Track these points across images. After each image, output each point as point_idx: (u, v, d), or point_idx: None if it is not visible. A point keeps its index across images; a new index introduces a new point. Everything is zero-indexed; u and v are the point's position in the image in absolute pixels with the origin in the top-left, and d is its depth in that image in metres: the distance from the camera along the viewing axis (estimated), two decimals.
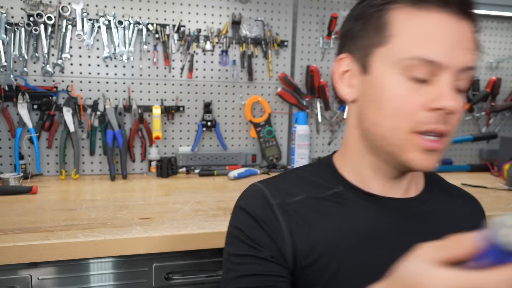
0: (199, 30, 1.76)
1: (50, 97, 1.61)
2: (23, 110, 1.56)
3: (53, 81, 1.63)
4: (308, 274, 0.65)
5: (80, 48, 1.65)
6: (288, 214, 0.67)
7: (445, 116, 0.59)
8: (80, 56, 1.65)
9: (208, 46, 1.78)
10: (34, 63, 1.61)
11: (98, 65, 1.67)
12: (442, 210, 0.73)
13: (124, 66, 1.70)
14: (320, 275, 0.65)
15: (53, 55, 1.62)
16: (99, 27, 1.64)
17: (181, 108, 1.78)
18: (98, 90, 1.68)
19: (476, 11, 0.62)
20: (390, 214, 0.69)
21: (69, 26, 1.61)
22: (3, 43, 1.55)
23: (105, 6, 1.65)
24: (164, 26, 1.71)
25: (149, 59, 1.73)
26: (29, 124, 1.57)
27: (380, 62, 0.61)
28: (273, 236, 0.65)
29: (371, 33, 0.62)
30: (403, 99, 0.59)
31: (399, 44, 0.59)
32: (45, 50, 1.59)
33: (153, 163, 1.74)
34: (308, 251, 0.64)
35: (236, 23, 1.79)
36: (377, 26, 0.61)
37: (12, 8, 1.56)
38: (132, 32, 1.67)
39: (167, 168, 1.70)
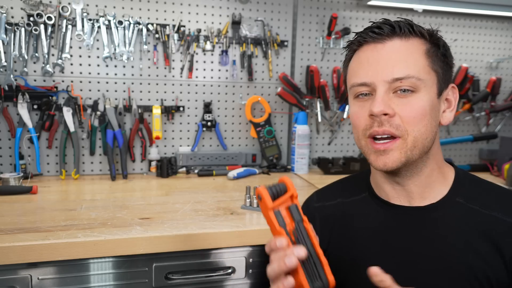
0: (199, 30, 1.76)
1: (50, 97, 1.61)
2: (23, 110, 1.56)
3: (53, 81, 1.63)
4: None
5: (80, 48, 1.65)
6: (323, 214, 0.86)
7: (380, 119, 0.71)
8: (80, 56, 1.65)
9: (208, 46, 1.78)
10: (34, 63, 1.61)
11: (98, 65, 1.67)
12: (452, 221, 0.74)
13: (124, 66, 1.70)
14: (338, 262, 0.78)
15: (53, 55, 1.62)
16: (99, 27, 1.64)
17: (181, 108, 1.78)
18: (98, 90, 1.68)
19: (404, 25, 0.74)
20: (395, 219, 0.78)
21: (69, 26, 1.61)
22: (3, 43, 1.55)
23: (105, 6, 1.65)
24: (164, 26, 1.71)
25: (149, 59, 1.73)
26: (29, 124, 1.57)
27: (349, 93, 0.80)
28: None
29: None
30: (356, 115, 0.76)
31: (348, 78, 0.79)
32: (45, 50, 1.59)
33: (153, 163, 1.74)
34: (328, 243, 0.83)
35: (236, 23, 1.79)
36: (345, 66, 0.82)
37: (12, 8, 1.56)
38: (132, 32, 1.67)
39: (167, 168, 1.70)
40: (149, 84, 1.74)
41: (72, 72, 1.65)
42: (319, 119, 1.94)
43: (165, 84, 1.76)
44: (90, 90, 1.67)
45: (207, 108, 1.81)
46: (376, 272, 0.60)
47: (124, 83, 1.71)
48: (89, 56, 1.66)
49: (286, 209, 0.64)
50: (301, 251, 0.58)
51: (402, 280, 0.72)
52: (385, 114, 0.71)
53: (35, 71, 1.61)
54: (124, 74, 1.71)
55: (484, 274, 0.69)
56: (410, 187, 0.77)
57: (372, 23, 0.77)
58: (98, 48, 1.67)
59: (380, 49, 0.73)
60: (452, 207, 0.75)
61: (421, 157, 0.74)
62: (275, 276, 0.60)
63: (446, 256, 0.72)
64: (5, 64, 1.55)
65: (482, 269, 0.69)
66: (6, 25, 1.54)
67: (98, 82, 1.68)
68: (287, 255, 0.58)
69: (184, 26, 1.74)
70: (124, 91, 1.71)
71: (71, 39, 1.63)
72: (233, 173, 1.70)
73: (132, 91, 1.72)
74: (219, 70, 1.82)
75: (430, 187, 0.77)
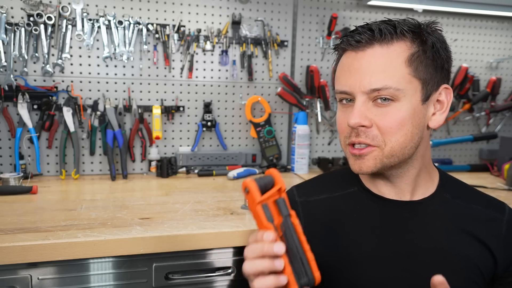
0: (199, 30, 1.76)
1: (50, 97, 1.61)
2: (23, 110, 1.56)
3: (53, 81, 1.63)
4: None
5: (80, 48, 1.65)
6: (307, 210, 0.85)
7: (357, 130, 0.73)
8: (80, 56, 1.65)
9: (208, 46, 1.78)
10: (34, 63, 1.61)
11: (98, 65, 1.67)
12: (444, 214, 0.79)
13: (124, 66, 1.70)
14: (329, 258, 0.79)
15: (53, 55, 1.62)
16: (99, 27, 1.64)
17: (181, 108, 1.78)
18: (98, 90, 1.68)
19: (386, 30, 0.71)
20: (390, 213, 0.79)
21: (69, 26, 1.61)
22: (3, 43, 1.55)
23: (105, 6, 1.65)
24: (164, 26, 1.71)
25: (149, 59, 1.73)
26: (29, 124, 1.57)
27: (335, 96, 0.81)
28: None
29: None
30: (339, 120, 0.78)
31: (335, 83, 0.79)
32: (45, 50, 1.59)
33: (153, 163, 1.74)
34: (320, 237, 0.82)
35: (236, 23, 1.79)
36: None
37: (12, 8, 1.56)
38: (132, 32, 1.67)
39: (167, 168, 1.70)
40: (149, 84, 1.74)
41: (72, 72, 1.65)
42: (319, 119, 1.94)
43: (165, 84, 1.76)
44: (90, 90, 1.67)
45: (207, 108, 1.81)
46: (441, 281, 0.61)
47: (124, 83, 1.71)
48: (89, 56, 1.66)
49: (273, 203, 0.62)
50: (281, 247, 0.57)
51: (402, 273, 0.74)
52: (362, 126, 0.72)
53: (35, 71, 1.61)
54: (124, 74, 1.71)
55: (480, 261, 0.75)
56: (399, 184, 0.80)
57: (355, 27, 0.75)
58: (98, 48, 1.67)
59: (360, 58, 0.72)
60: (442, 201, 0.80)
61: (404, 161, 0.76)
62: (256, 272, 0.59)
63: (444, 247, 0.75)
64: (5, 64, 1.55)
65: (477, 257, 0.75)
66: (6, 25, 1.54)
67: (98, 82, 1.68)
68: (275, 248, 0.57)
69: (184, 26, 1.74)
70: (124, 91, 1.71)
71: (71, 39, 1.63)
72: (233, 173, 1.70)
73: (132, 91, 1.72)
74: (219, 70, 1.82)
75: (419, 185, 0.80)
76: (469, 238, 0.76)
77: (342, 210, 0.83)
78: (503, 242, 0.77)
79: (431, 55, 0.73)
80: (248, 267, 0.60)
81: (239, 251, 1.12)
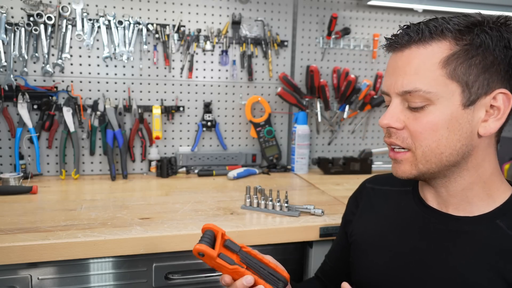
0: (199, 30, 1.76)
1: (50, 97, 1.61)
2: (23, 110, 1.56)
3: (53, 81, 1.63)
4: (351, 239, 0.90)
5: (80, 48, 1.65)
6: (369, 196, 0.90)
7: (389, 131, 0.73)
8: (80, 56, 1.65)
9: (208, 46, 1.78)
10: (34, 63, 1.61)
11: (98, 65, 1.67)
12: (483, 242, 0.68)
13: (124, 66, 1.70)
14: (355, 245, 0.87)
15: (53, 55, 1.62)
16: (99, 27, 1.64)
17: (181, 108, 1.78)
18: (98, 90, 1.68)
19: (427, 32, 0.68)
20: (423, 218, 0.77)
21: (69, 26, 1.61)
22: (3, 43, 1.55)
23: (105, 6, 1.65)
24: (164, 26, 1.71)
25: (149, 59, 1.73)
26: (29, 124, 1.57)
27: None
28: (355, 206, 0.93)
29: None
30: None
31: None
32: (45, 50, 1.59)
33: (153, 163, 1.74)
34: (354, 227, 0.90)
35: (236, 23, 1.79)
36: None
37: (12, 8, 1.56)
38: (132, 32, 1.67)
39: (167, 168, 1.70)
40: (149, 84, 1.74)
41: (72, 72, 1.65)
42: (319, 119, 1.94)
43: (165, 84, 1.76)
44: (90, 90, 1.67)
45: (207, 108, 1.81)
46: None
47: (124, 83, 1.71)
48: (89, 56, 1.66)
49: (224, 248, 0.72)
50: (249, 279, 0.70)
51: (409, 278, 0.74)
52: (392, 127, 0.71)
53: (35, 71, 1.61)
54: (124, 74, 1.71)
55: None
56: (443, 194, 0.74)
57: (408, 24, 0.71)
58: (98, 48, 1.67)
59: (398, 59, 0.71)
60: (488, 227, 0.69)
61: (448, 169, 0.70)
62: None
63: (460, 273, 0.68)
64: (5, 64, 1.55)
65: None
66: (6, 25, 1.54)
67: (98, 82, 1.68)
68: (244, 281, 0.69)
69: (184, 26, 1.74)
70: (124, 91, 1.71)
71: (71, 39, 1.63)
72: (233, 173, 1.70)
73: (132, 91, 1.72)
74: (219, 70, 1.82)
75: (468, 201, 0.72)
76: (496, 279, 0.65)
77: (388, 203, 0.85)
78: None
79: (478, 54, 0.65)
80: None
81: None
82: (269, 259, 0.76)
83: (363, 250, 0.85)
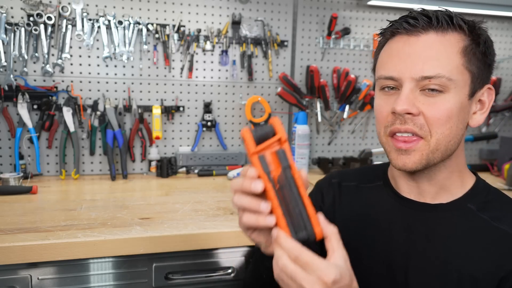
0: (199, 30, 1.76)
1: (50, 97, 1.61)
2: (23, 110, 1.56)
3: (53, 81, 1.63)
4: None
5: (80, 48, 1.65)
6: (338, 193, 0.88)
7: (403, 117, 0.69)
8: (80, 56, 1.65)
9: (208, 46, 1.78)
10: (34, 63, 1.61)
11: (98, 65, 1.67)
12: (457, 225, 0.72)
13: (124, 66, 1.70)
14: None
15: (53, 55, 1.62)
16: (99, 27, 1.64)
17: (181, 108, 1.78)
18: (98, 90, 1.68)
19: (446, 18, 0.69)
20: (401, 210, 0.77)
21: (69, 26, 1.61)
22: (3, 43, 1.55)
23: (105, 6, 1.65)
24: (164, 26, 1.71)
25: (149, 59, 1.73)
26: (29, 124, 1.57)
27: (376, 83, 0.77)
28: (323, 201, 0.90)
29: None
30: (379, 108, 0.74)
31: (377, 68, 0.75)
32: (45, 50, 1.59)
33: (153, 163, 1.74)
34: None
35: (236, 23, 1.79)
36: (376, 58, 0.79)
37: (12, 8, 1.56)
38: (132, 32, 1.67)
39: (167, 168, 1.70)
40: (149, 84, 1.74)
41: (72, 72, 1.65)
42: (319, 119, 1.94)
43: (165, 84, 1.76)
44: (90, 90, 1.67)
45: (207, 108, 1.81)
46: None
47: (124, 83, 1.71)
48: (89, 56, 1.66)
49: (273, 154, 0.59)
50: (258, 185, 0.57)
51: (391, 268, 0.74)
52: (409, 113, 0.68)
53: (35, 71, 1.61)
54: (124, 74, 1.71)
55: (474, 283, 0.67)
56: (424, 186, 0.75)
57: (409, 12, 0.72)
58: (98, 48, 1.66)
59: (413, 43, 0.69)
60: (461, 211, 0.73)
61: (443, 159, 0.71)
62: (240, 207, 0.61)
63: (441, 257, 0.71)
64: (5, 64, 1.55)
65: (473, 277, 0.67)
66: (6, 25, 1.54)
67: (98, 82, 1.68)
68: (253, 185, 0.57)
69: (184, 26, 1.74)
70: (124, 91, 1.71)
71: (71, 39, 1.63)
72: (233, 173, 1.70)
73: (132, 91, 1.72)
74: (219, 70, 1.82)
75: (445, 189, 0.75)
76: (474, 256, 0.68)
77: (361, 200, 0.84)
78: None
79: (483, 49, 0.70)
80: (234, 199, 0.62)
81: (239, 251, 1.12)
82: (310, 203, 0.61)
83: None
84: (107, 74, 1.69)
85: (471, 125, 0.73)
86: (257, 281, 0.81)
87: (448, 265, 0.70)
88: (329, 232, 0.57)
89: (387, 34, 0.74)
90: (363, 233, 0.80)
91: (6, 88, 1.55)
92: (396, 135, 0.70)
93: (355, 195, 0.86)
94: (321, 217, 0.58)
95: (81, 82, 1.66)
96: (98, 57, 1.67)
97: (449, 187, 0.74)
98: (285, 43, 1.87)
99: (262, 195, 0.59)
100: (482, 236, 0.69)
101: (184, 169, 1.78)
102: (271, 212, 0.58)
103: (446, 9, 0.70)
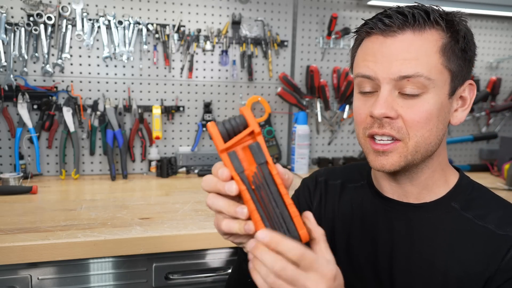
0: (199, 30, 1.76)
1: (50, 97, 1.61)
2: (23, 110, 1.56)
3: (53, 81, 1.63)
4: None
5: (80, 48, 1.65)
6: (325, 191, 0.87)
7: (381, 121, 0.67)
8: (80, 56, 1.65)
9: (208, 46, 1.78)
10: (34, 63, 1.61)
11: (98, 65, 1.67)
12: (441, 225, 0.70)
13: (124, 66, 1.70)
14: None
15: (53, 55, 1.62)
16: (99, 27, 1.64)
17: (181, 108, 1.78)
18: (98, 90, 1.68)
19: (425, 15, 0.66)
20: (385, 213, 0.76)
21: (69, 26, 1.61)
22: (3, 43, 1.55)
23: (105, 6, 1.65)
24: (164, 26, 1.71)
25: (149, 59, 1.73)
26: (29, 124, 1.57)
27: (354, 82, 0.74)
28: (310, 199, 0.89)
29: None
30: (357, 110, 0.72)
31: (354, 66, 0.73)
32: (45, 50, 1.59)
33: (153, 163, 1.74)
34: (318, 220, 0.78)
35: (236, 23, 1.79)
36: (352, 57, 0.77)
37: (12, 8, 1.56)
38: (132, 32, 1.67)
39: (167, 168, 1.70)
40: (149, 84, 1.74)
41: (72, 72, 1.65)
42: (319, 119, 1.94)
43: (165, 84, 1.76)
44: (90, 90, 1.67)
45: (207, 108, 1.81)
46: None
47: (124, 83, 1.71)
48: (89, 56, 1.66)
49: (245, 149, 0.52)
50: (232, 187, 0.50)
51: (376, 269, 0.74)
52: (387, 117, 0.66)
53: (35, 71, 1.61)
54: (124, 74, 1.71)
55: (459, 284, 0.66)
56: (407, 187, 0.74)
57: (384, 10, 0.70)
58: (98, 48, 1.66)
59: (390, 44, 0.66)
60: (445, 210, 0.71)
61: (424, 160, 0.70)
62: (215, 210, 0.54)
63: (425, 258, 0.69)
64: (5, 64, 1.55)
65: (458, 278, 0.66)
66: (6, 25, 1.54)
67: (98, 82, 1.68)
68: (226, 186, 0.51)
69: (184, 26, 1.74)
70: (124, 91, 1.71)
71: (71, 39, 1.63)
72: None
73: (132, 91, 1.72)
74: (219, 70, 1.82)
75: (428, 189, 0.73)
76: (459, 256, 0.67)
77: (345, 199, 0.83)
78: (504, 266, 0.64)
79: (463, 46, 0.67)
80: (208, 201, 0.54)
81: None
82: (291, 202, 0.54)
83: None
84: (107, 74, 1.69)
85: (452, 123, 0.71)
86: (241, 281, 0.79)
87: (432, 266, 0.69)
88: (317, 234, 0.53)
89: (362, 34, 0.71)
90: (348, 234, 0.79)
91: (6, 88, 1.55)
92: (374, 137, 0.69)
93: (340, 194, 0.84)
94: (311, 217, 0.53)
95: (81, 82, 1.66)
96: (98, 57, 1.67)
97: (432, 186, 0.73)
98: (285, 43, 1.87)
99: (240, 196, 0.52)
100: (467, 236, 0.68)
101: (184, 169, 1.78)
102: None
103: (422, 4, 0.68)
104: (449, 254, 0.68)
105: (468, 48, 0.68)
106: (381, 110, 0.65)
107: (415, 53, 0.65)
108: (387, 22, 0.66)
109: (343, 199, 0.83)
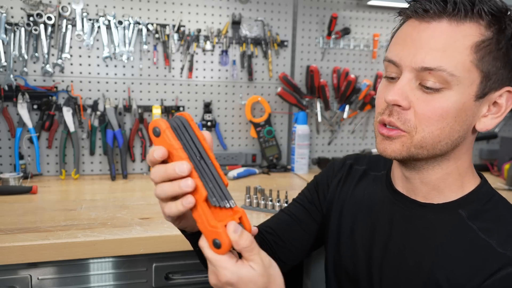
0: (199, 30, 1.76)
1: (50, 97, 1.61)
2: (23, 110, 1.56)
3: (53, 81, 1.63)
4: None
5: (80, 48, 1.65)
6: (348, 174, 0.89)
7: (392, 109, 0.66)
8: (80, 56, 1.65)
9: (208, 46, 1.78)
10: (34, 63, 1.61)
11: (98, 65, 1.67)
12: (441, 228, 0.68)
13: (124, 66, 1.70)
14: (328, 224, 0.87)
15: (53, 55, 1.62)
16: (99, 27, 1.64)
17: (181, 108, 1.78)
18: (98, 90, 1.68)
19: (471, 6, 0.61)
20: (392, 205, 0.76)
21: (69, 26, 1.61)
22: (3, 43, 1.55)
23: (105, 6, 1.65)
24: (164, 26, 1.71)
25: (149, 59, 1.73)
26: (29, 124, 1.57)
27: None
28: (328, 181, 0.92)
29: None
30: (378, 93, 0.70)
31: (387, 51, 0.70)
32: (45, 50, 1.59)
33: None
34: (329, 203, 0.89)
35: (236, 23, 1.79)
36: None
37: (12, 8, 1.56)
38: (132, 32, 1.67)
39: None
40: (149, 84, 1.74)
41: (72, 72, 1.65)
42: (319, 119, 1.94)
43: (165, 84, 1.76)
44: (90, 90, 1.67)
45: (207, 108, 1.81)
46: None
47: (124, 83, 1.71)
48: (89, 56, 1.66)
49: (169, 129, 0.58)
50: (183, 166, 0.54)
51: (371, 258, 0.75)
52: (398, 105, 0.64)
53: (35, 71, 1.61)
54: (124, 74, 1.71)
55: None
56: (416, 183, 0.71)
57: None
58: (98, 48, 1.66)
59: (421, 31, 0.62)
60: (450, 216, 0.68)
61: (434, 158, 0.67)
62: (166, 197, 0.59)
63: (415, 258, 0.69)
64: (5, 64, 1.55)
65: (437, 285, 0.65)
66: (6, 25, 1.54)
67: (98, 82, 1.68)
68: (183, 181, 0.54)
69: (184, 26, 1.74)
70: (124, 91, 1.71)
71: (71, 39, 1.63)
72: (233, 173, 1.70)
73: (132, 91, 1.72)
74: (219, 70, 1.82)
75: (439, 190, 0.70)
76: (452, 266, 0.65)
77: (365, 188, 0.84)
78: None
79: (504, 47, 0.62)
80: (157, 191, 0.58)
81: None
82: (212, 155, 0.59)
83: (337, 232, 0.85)
84: (107, 74, 1.69)
85: (478, 128, 0.67)
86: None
87: (419, 266, 0.68)
88: (246, 243, 0.59)
89: (404, 16, 0.68)
90: (354, 218, 0.81)
91: (6, 88, 1.55)
92: (384, 124, 0.68)
93: (359, 180, 0.86)
94: (237, 228, 0.58)
95: (81, 82, 1.66)
96: (98, 57, 1.67)
97: (444, 189, 0.70)
98: (285, 43, 1.87)
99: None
100: (463, 245, 0.65)
101: None
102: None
103: None
104: (438, 258, 0.66)
105: (510, 53, 0.63)
106: (393, 96, 0.63)
107: (443, 44, 0.61)
108: (425, 6, 0.62)
109: (360, 184, 0.85)
